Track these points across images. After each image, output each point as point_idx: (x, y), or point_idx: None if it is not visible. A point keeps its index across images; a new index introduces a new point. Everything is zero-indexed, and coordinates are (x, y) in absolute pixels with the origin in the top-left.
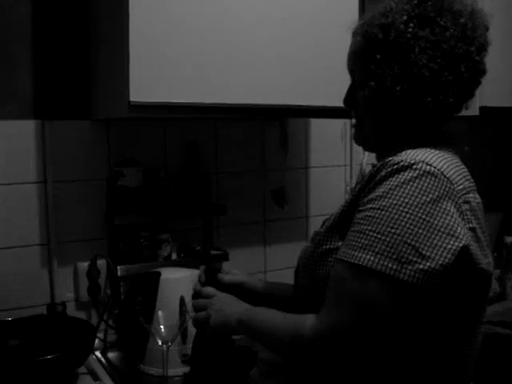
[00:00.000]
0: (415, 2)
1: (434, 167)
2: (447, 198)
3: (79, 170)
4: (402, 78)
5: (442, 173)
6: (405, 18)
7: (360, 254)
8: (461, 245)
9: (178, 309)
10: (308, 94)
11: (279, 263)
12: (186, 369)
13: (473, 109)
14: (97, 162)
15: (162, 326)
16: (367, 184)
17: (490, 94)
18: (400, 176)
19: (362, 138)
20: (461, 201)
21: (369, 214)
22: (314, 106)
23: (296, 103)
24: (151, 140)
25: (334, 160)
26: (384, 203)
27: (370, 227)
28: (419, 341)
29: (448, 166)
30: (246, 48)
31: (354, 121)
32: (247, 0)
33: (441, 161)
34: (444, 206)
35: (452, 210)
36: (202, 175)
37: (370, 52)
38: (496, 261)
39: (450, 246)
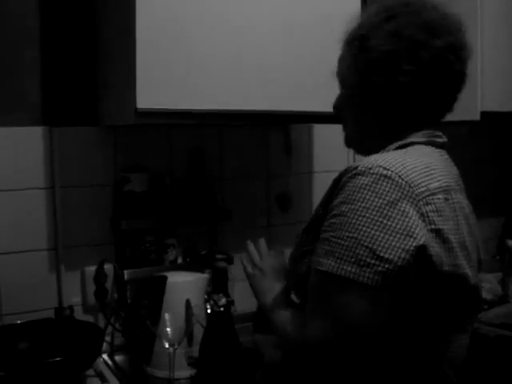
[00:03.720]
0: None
1: (391, 171)
2: (405, 200)
3: (86, 175)
4: (386, 86)
5: (399, 176)
6: (383, 32)
7: (323, 260)
8: (415, 244)
9: (184, 312)
10: (312, 99)
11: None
12: (193, 371)
13: (474, 114)
14: (104, 168)
15: (168, 329)
16: (333, 189)
17: (490, 98)
18: (357, 181)
19: (352, 139)
20: (421, 203)
21: (332, 220)
22: (317, 111)
23: (300, 109)
24: (157, 146)
25: (337, 165)
26: (343, 209)
27: (331, 233)
28: (392, 345)
29: (408, 170)
30: (251, 55)
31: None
32: (252, 8)
33: (401, 164)
34: (401, 208)
35: (410, 212)
36: (207, 181)
37: (358, 60)
38: (498, 264)
39: (407, 247)
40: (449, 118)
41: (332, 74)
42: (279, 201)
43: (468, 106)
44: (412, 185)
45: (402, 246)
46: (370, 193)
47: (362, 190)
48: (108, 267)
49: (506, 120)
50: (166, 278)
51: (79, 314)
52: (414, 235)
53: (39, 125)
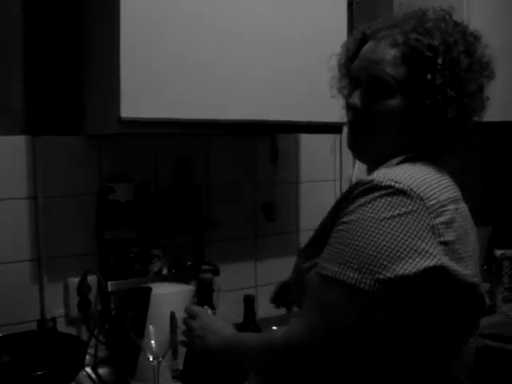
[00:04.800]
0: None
1: (403, 184)
2: (416, 214)
3: (70, 185)
4: (454, 101)
5: (411, 189)
6: (452, 40)
7: (326, 265)
8: (420, 257)
9: (169, 324)
10: (298, 109)
11: (270, 278)
12: None
13: None
14: (87, 178)
15: (152, 342)
16: (342, 202)
17: None
18: (369, 195)
19: (367, 148)
20: (433, 215)
21: (339, 227)
22: (304, 121)
23: (286, 119)
24: (142, 155)
25: (323, 175)
26: (352, 217)
27: (337, 240)
28: (403, 352)
29: (419, 183)
30: (238, 65)
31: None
32: (240, 18)
33: (411, 177)
34: (410, 221)
35: (419, 225)
36: (193, 190)
37: (420, 69)
38: (486, 274)
39: (411, 260)
40: None
41: (318, 85)
42: (265, 210)
43: None
44: (424, 197)
45: (407, 258)
46: (380, 204)
47: (373, 202)
48: (91, 278)
49: (495, 130)
50: (150, 289)
51: (62, 326)
52: (419, 250)
53: (22, 134)
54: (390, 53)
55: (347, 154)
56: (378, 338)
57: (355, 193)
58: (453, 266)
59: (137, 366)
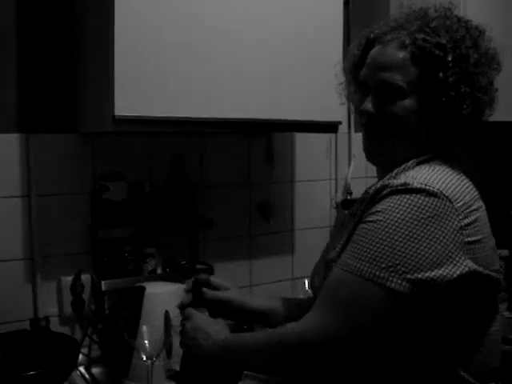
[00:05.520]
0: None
1: (432, 187)
2: (445, 216)
3: (64, 183)
4: (468, 97)
5: (441, 192)
6: (458, 36)
7: (352, 263)
8: (459, 271)
9: (163, 324)
10: (294, 108)
11: (265, 277)
12: None
13: None
14: (82, 176)
15: (146, 341)
16: (369, 205)
17: None
18: (400, 197)
19: (384, 151)
20: (461, 217)
21: (365, 226)
22: (299, 120)
23: (282, 118)
24: (137, 154)
25: (319, 174)
26: (379, 217)
27: (363, 238)
28: (424, 344)
29: (447, 185)
30: (233, 63)
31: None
32: (232, 16)
33: (439, 180)
34: (440, 224)
35: (448, 227)
36: (188, 189)
37: (431, 68)
38: None
39: (438, 261)
40: None
41: (314, 84)
42: (261, 209)
43: None
44: (452, 199)
45: (434, 259)
46: (410, 206)
47: (401, 203)
48: (85, 277)
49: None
50: (144, 288)
51: (55, 326)
52: (450, 254)
53: (15, 132)
54: (399, 55)
55: (342, 154)
56: (397, 333)
57: (382, 195)
58: (480, 266)
59: (130, 366)
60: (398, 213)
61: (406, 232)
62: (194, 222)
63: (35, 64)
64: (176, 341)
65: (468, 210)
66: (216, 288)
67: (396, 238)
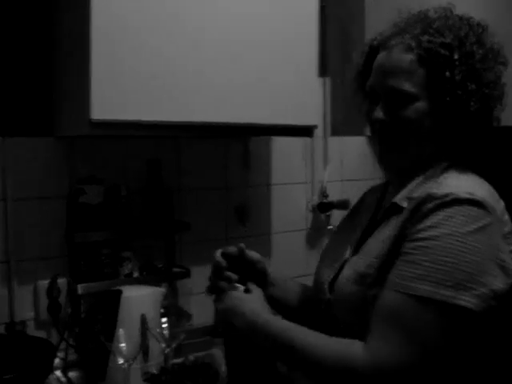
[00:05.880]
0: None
1: (478, 197)
2: (493, 226)
3: (40, 187)
4: (475, 93)
5: (485, 201)
6: (462, 34)
7: (416, 285)
8: (504, 267)
9: (140, 327)
10: (269, 112)
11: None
12: None
13: None
14: (58, 180)
15: (123, 345)
16: (411, 217)
17: None
18: (449, 209)
19: (398, 157)
20: (502, 225)
21: (420, 244)
22: (275, 124)
23: (258, 122)
24: (114, 157)
25: (295, 177)
26: (435, 233)
27: (423, 257)
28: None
29: (486, 193)
30: (210, 67)
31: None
32: (212, 19)
33: (479, 188)
34: (492, 234)
35: (497, 236)
36: (165, 192)
37: (438, 68)
38: None
39: (497, 272)
40: None
41: (290, 88)
42: (237, 213)
43: None
44: (494, 208)
45: (494, 272)
46: (462, 218)
47: (453, 216)
48: (61, 281)
49: None
50: (120, 292)
51: (32, 330)
52: (506, 263)
53: None
54: (406, 59)
55: (318, 157)
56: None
57: (429, 207)
58: None
59: (107, 370)
60: (452, 226)
61: (465, 246)
62: (171, 226)
63: (11, 66)
64: (153, 344)
65: (503, 218)
66: (251, 262)
67: (456, 253)
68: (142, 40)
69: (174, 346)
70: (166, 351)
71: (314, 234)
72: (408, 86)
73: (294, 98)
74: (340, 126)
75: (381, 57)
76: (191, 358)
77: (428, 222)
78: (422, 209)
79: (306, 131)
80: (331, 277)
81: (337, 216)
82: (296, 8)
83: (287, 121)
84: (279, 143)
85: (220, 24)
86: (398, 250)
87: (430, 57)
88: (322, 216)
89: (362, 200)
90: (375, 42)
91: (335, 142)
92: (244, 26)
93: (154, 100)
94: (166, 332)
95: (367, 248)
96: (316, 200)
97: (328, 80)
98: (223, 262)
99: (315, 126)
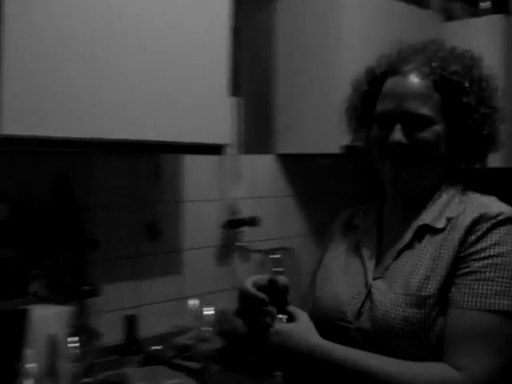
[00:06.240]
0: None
1: None
2: None
3: None
4: (488, 117)
5: None
6: (467, 62)
7: (496, 301)
8: None
9: (48, 347)
10: (180, 130)
11: (154, 297)
12: None
13: (336, 147)
14: None
15: (31, 365)
16: (466, 238)
17: None
18: (503, 227)
19: (414, 179)
20: None
21: (489, 261)
22: (186, 142)
23: (168, 139)
24: (21, 174)
25: (207, 194)
26: (500, 250)
27: (496, 274)
28: None
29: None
30: (120, 83)
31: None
32: (121, 34)
33: (506, 207)
34: None
35: None
36: (74, 209)
37: (453, 94)
38: None
39: None
40: (312, 150)
41: (201, 107)
42: (148, 229)
43: (329, 140)
44: None
45: None
46: None
47: (511, 232)
48: None
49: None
50: (26, 311)
51: None
52: None
53: None
54: (422, 84)
55: (230, 175)
56: None
57: (487, 226)
58: None
59: None
60: None
61: None
62: (80, 243)
63: None
64: (62, 364)
65: None
66: (285, 289)
67: None
68: (51, 55)
69: (83, 365)
70: (75, 371)
71: (225, 251)
72: (425, 110)
73: (204, 116)
74: (252, 145)
75: (394, 82)
76: (101, 376)
77: (490, 241)
78: (478, 229)
79: (216, 149)
80: (358, 304)
81: (247, 233)
82: (206, 28)
83: (198, 139)
84: (191, 160)
85: (130, 43)
86: (456, 269)
87: (445, 83)
88: (233, 233)
89: (348, 225)
90: (384, 68)
91: (247, 160)
92: (154, 44)
93: (64, 116)
94: (75, 351)
95: (407, 269)
96: (227, 217)
97: (242, 99)
98: (266, 298)
99: (226, 145)
